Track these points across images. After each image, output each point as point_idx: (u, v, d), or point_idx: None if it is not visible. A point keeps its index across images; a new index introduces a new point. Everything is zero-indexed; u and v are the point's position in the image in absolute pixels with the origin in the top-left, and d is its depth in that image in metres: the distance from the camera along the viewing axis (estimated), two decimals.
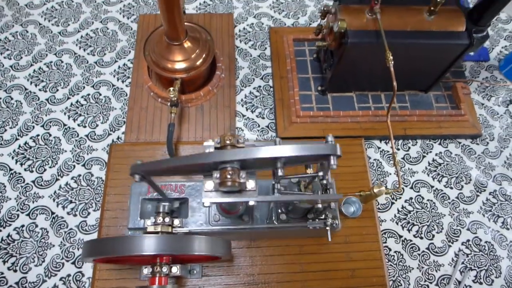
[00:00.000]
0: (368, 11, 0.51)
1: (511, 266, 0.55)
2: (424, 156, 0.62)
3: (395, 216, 0.57)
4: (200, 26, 0.60)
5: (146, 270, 0.40)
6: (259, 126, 0.62)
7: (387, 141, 0.62)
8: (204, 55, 0.57)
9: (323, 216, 0.43)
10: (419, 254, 0.54)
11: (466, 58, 0.71)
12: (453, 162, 0.61)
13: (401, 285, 0.52)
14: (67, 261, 0.50)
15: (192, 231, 0.43)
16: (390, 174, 0.60)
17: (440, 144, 0.63)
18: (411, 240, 0.55)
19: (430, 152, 0.62)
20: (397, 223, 0.56)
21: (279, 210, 0.45)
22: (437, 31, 0.52)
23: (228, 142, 0.29)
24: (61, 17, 0.69)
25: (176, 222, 0.42)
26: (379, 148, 0.62)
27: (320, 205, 0.40)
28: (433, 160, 0.61)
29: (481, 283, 0.53)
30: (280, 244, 0.51)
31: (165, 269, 0.40)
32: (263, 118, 0.62)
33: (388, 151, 0.61)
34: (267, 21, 0.72)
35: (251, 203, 0.31)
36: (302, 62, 0.66)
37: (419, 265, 0.54)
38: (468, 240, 0.56)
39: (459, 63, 0.68)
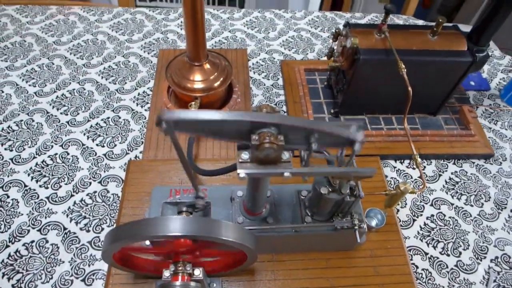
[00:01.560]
0: (376, 32, 0.56)
1: None
2: (440, 175, 0.62)
3: (418, 233, 0.55)
4: (219, 54, 0.64)
5: (167, 273, 0.38)
6: None
7: (402, 160, 0.63)
8: (222, 78, 0.60)
9: (349, 217, 0.42)
10: (448, 272, 0.52)
11: (468, 88, 0.74)
12: (470, 181, 0.61)
13: None
14: (77, 278, 0.47)
15: None
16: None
17: (454, 164, 0.63)
18: (438, 258, 0.53)
19: (446, 171, 0.62)
20: (422, 240, 0.54)
21: (304, 212, 0.43)
22: (441, 50, 0.56)
23: (265, 110, 0.30)
24: (85, 52, 0.74)
25: None
26: (395, 167, 0.62)
27: (348, 199, 0.39)
28: (450, 178, 0.61)
29: None
30: (304, 258, 0.48)
31: (188, 268, 0.37)
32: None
33: (404, 170, 0.62)
34: (278, 56, 0.77)
35: (286, 174, 0.31)
36: (314, 89, 0.69)
37: (449, 283, 0.51)
38: (497, 257, 0.53)
39: (463, 92, 0.72)
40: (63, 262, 0.48)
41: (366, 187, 0.53)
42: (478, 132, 0.65)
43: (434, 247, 0.54)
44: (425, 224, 0.56)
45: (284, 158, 0.31)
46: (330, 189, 0.39)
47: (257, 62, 0.76)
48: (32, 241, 0.50)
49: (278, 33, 0.82)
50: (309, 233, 0.43)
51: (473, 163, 0.64)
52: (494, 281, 0.51)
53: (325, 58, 0.77)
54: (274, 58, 0.77)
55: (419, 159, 0.45)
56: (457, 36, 0.57)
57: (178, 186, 0.46)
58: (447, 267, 0.52)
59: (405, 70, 0.49)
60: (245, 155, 0.31)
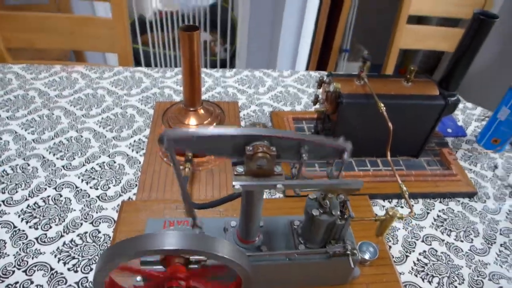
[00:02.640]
0: (356, 79, 0.62)
1: None
2: (428, 213, 0.63)
3: (412, 268, 0.55)
4: (213, 103, 0.68)
5: None
6: None
7: (390, 199, 0.64)
8: (215, 123, 0.64)
9: (341, 243, 0.43)
10: None
11: (446, 135, 0.79)
12: (457, 218, 0.63)
13: None
14: None
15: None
16: (399, 229, 0.60)
17: (440, 202, 0.65)
18: None
19: (433, 209, 0.64)
20: (416, 276, 0.54)
21: (297, 241, 0.44)
22: (416, 94, 0.62)
23: (258, 126, 0.33)
24: (85, 104, 0.78)
25: None
26: (383, 206, 0.63)
27: (339, 222, 0.40)
28: (438, 216, 0.63)
29: None
30: None
31: None
32: None
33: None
34: (268, 108, 0.82)
35: (279, 186, 0.32)
36: None
37: None
38: None
39: (442, 137, 0.76)
40: None
41: (357, 223, 0.54)
42: (459, 172, 0.68)
43: (430, 282, 0.53)
44: (418, 259, 0.56)
45: (276, 171, 0.33)
46: (321, 211, 0.40)
47: (248, 113, 0.80)
48: (16, 283, 0.48)
49: (267, 89, 0.89)
50: (303, 261, 0.43)
51: (459, 201, 0.66)
52: None
53: (312, 109, 0.82)
54: (264, 110, 0.82)
55: (404, 187, 0.47)
56: (429, 83, 0.64)
57: (172, 218, 0.46)
58: None
59: (384, 108, 0.53)
60: (240, 168, 0.33)
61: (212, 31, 2.06)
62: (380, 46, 1.62)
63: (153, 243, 0.32)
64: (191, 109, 0.62)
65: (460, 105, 0.92)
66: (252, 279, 0.38)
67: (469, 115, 0.88)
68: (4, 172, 0.62)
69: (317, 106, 0.65)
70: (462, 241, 0.59)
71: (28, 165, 0.64)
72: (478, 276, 0.55)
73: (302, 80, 0.94)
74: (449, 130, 0.81)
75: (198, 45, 0.55)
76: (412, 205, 0.64)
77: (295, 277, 0.46)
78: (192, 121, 0.62)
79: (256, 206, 0.37)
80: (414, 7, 1.27)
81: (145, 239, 0.32)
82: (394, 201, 0.64)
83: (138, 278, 0.46)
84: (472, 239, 0.60)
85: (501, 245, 0.59)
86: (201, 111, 0.63)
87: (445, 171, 0.68)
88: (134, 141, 0.70)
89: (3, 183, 0.60)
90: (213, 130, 0.32)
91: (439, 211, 0.64)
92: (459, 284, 0.53)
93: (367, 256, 0.51)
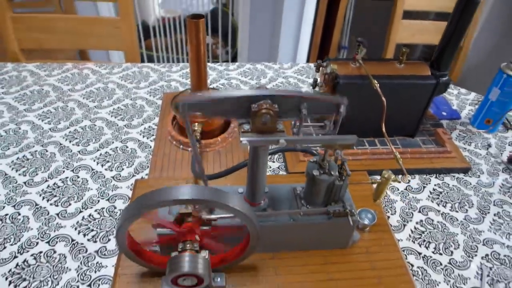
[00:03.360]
0: (351, 62, 0.66)
1: None
2: (424, 187, 0.66)
3: (409, 235, 0.58)
4: (217, 89, 0.72)
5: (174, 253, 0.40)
6: (270, 167, 0.68)
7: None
8: None
9: (341, 204, 0.46)
10: (442, 269, 0.54)
11: (441, 117, 0.83)
12: (452, 191, 0.66)
13: None
14: (83, 283, 0.49)
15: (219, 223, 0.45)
16: (397, 201, 0.63)
17: (436, 177, 0.69)
18: (431, 256, 0.55)
19: (429, 183, 0.67)
20: (414, 242, 0.57)
21: (300, 204, 0.48)
22: (409, 75, 0.65)
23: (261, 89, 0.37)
24: (97, 96, 0.82)
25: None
26: (385, 193, 0.67)
27: (338, 182, 0.44)
28: (434, 189, 0.66)
29: None
30: (303, 255, 0.51)
31: (195, 245, 0.40)
32: (274, 162, 0.69)
33: (390, 184, 0.66)
34: None
35: (281, 141, 0.36)
36: None
37: (445, 279, 0.53)
38: (487, 255, 0.56)
39: (437, 120, 0.80)
40: (70, 270, 0.50)
41: (357, 195, 0.57)
42: (453, 149, 0.72)
43: (427, 247, 0.56)
44: (415, 228, 0.59)
45: (279, 128, 0.37)
46: (321, 171, 0.44)
47: None
48: (40, 252, 0.52)
49: (269, 80, 0.93)
50: (305, 222, 0.47)
51: (454, 176, 0.69)
52: (488, 275, 0.53)
53: None
54: None
55: (398, 155, 0.51)
56: (421, 64, 0.68)
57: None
58: (441, 264, 0.54)
59: (378, 85, 0.57)
60: (246, 126, 0.37)
61: (213, 35, 2.12)
62: (377, 42, 1.66)
63: (172, 194, 0.36)
64: (198, 94, 0.66)
65: (455, 91, 0.95)
66: (259, 233, 0.41)
67: (463, 100, 0.92)
68: (24, 157, 0.66)
69: (317, 89, 0.69)
70: (457, 211, 0.63)
71: (46, 151, 0.68)
72: (472, 242, 0.58)
73: (302, 71, 0.98)
74: (444, 113, 0.84)
75: (204, 32, 0.59)
76: (409, 180, 0.67)
77: (298, 239, 0.50)
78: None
79: (261, 164, 0.41)
80: (409, 2, 1.31)
81: (165, 191, 0.36)
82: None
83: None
84: (466, 210, 0.63)
85: (494, 214, 0.63)
86: None
87: (440, 148, 0.71)
88: (144, 128, 0.74)
89: (23, 167, 0.64)
90: (222, 92, 0.36)
91: (435, 185, 0.67)
92: (454, 249, 0.57)
93: (366, 222, 0.54)
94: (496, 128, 0.81)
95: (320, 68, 0.67)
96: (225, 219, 0.43)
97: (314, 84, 0.70)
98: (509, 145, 0.78)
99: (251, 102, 0.36)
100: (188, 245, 0.40)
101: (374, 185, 0.50)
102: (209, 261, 0.40)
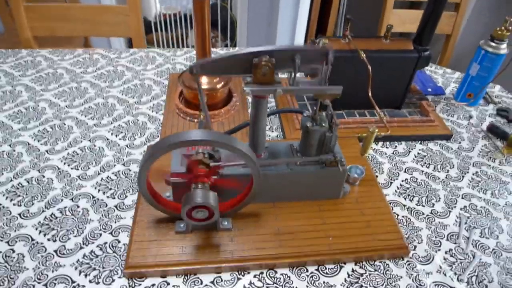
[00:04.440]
0: (341, 39, 0.72)
1: (510, 225, 0.60)
2: (410, 151, 0.73)
3: (395, 191, 0.64)
4: None
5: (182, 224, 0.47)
6: (269, 136, 0.74)
7: (377, 142, 0.74)
8: (223, 82, 0.75)
9: (331, 155, 0.53)
10: (424, 218, 0.60)
11: (426, 93, 0.90)
12: (435, 155, 0.73)
13: (415, 240, 0.57)
14: (105, 232, 0.55)
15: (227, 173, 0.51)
16: (384, 163, 0.70)
17: (420, 143, 0.75)
18: (414, 208, 0.62)
19: (414, 148, 0.74)
20: (399, 196, 0.64)
21: (296, 155, 0.54)
22: (394, 49, 0.72)
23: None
24: (107, 78, 0.89)
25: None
26: (371, 148, 0.73)
27: (328, 134, 0.50)
28: (418, 153, 0.73)
29: (487, 238, 0.58)
30: (299, 205, 0.57)
31: (206, 186, 0.47)
32: (272, 131, 0.76)
33: (379, 149, 0.73)
34: None
35: (278, 90, 0.42)
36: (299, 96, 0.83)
37: (427, 225, 0.59)
38: (465, 206, 0.63)
39: (423, 95, 0.87)
40: (93, 220, 0.56)
41: (349, 156, 0.64)
42: (437, 119, 0.79)
43: (411, 200, 0.63)
44: (401, 185, 0.66)
45: (277, 80, 0.43)
46: (313, 123, 0.50)
47: None
48: (65, 207, 0.58)
49: None
50: (301, 171, 0.53)
51: (436, 143, 0.76)
52: (466, 223, 0.60)
53: None
54: None
55: (380, 112, 0.57)
56: (405, 40, 0.74)
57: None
58: (423, 214, 0.61)
59: (365, 55, 0.64)
60: (249, 78, 0.43)
61: (212, 29, 2.18)
62: (372, 32, 1.73)
63: (187, 136, 0.42)
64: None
65: (440, 71, 1.02)
66: (260, 176, 0.48)
67: (448, 78, 0.98)
68: (45, 129, 0.72)
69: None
70: (439, 171, 0.69)
71: (64, 124, 0.74)
72: (452, 196, 0.64)
73: None
74: (429, 90, 0.91)
75: (208, 10, 0.65)
76: (396, 147, 0.74)
77: (295, 189, 0.56)
78: (203, 79, 0.72)
79: (261, 115, 0.48)
80: None
81: (181, 135, 0.43)
82: (380, 143, 0.74)
83: (168, 193, 0.56)
84: (448, 170, 0.70)
85: (473, 174, 0.69)
86: None
87: (424, 118, 0.78)
88: (153, 104, 0.81)
89: (45, 137, 0.70)
90: (227, 52, 0.42)
91: (420, 150, 0.74)
92: (436, 201, 0.63)
93: (356, 175, 0.61)
94: (477, 102, 0.88)
95: (314, 45, 0.74)
96: (230, 168, 0.50)
97: None
98: (489, 116, 0.85)
99: (253, 57, 0.42)
100: (199, 185, 0.46)
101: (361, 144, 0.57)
102: (217, 198, 0.47)
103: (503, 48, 0.79)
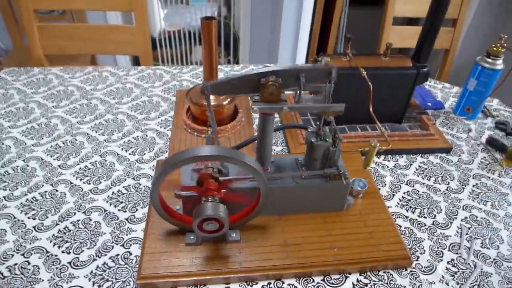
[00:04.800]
0: (343, 57, 0.75)
1: (510, 235, 0.62)
2: (411, 164, 0.75)
3: (398, 203, 0.66)
4: None
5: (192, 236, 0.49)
6: (274, 150, 0.77)
7: (379, 155, 0.77)
8: (229, 99, 0.78)
9: (335, 168, 0.55)
10: (426, 229, 0.62)
11: (426, 108, 0.92)
12: (436, 167, 0.75)
13: (417, 251, 0.58)
14: (117, 244, 0.57)
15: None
16: (386, 176, 0.72)
17: (421, 156, 0.77)
18: (416, 219, 0.63)
19: (415, 161, 0.76)
20: (401, 208, 0.65)
21: (301, 169, 0.56)
22: (393, 66, 0.75)
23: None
24: (117, 95, 0.92)
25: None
26: (373, 161, 0.75)
27: (332, 148, 0.53)
28: (419, 166, 0.75)
29: (488, 248, 0.59)
30: (305, 217, 0.59)
31: (216, 199, 0.49)
32: (277, 146, 0.78)
33: (381, 162, 0.75)
34: None
35: (285, 108, 0.45)
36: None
37: (429, 236, 0.61)
38: (466, 217, 0.64)
39: (422, 109, 0.89)
40: (105, 233, 0.58)
41: (351, 170, 0.66)
42: (437, 132, 0.81)
43: (413, 212, 0.65)
44: (403, 197, 0.68)
45: (283, 98, 0.46)
46: (318, 139, 0.52)
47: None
48: (78, 220, 0.60)
49: None
50: (306, 184, 0.55)
51: (437, 155, 0.78)
52: (467, 233, 0.62)
53: None
54: None
55: (381, 126, 0.60)
56: (404, 57, 0.77)
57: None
58: (425, 225, 0.62)
59: (365, 72, 0.66)
60: (257, 97, 0.46)
61: None
62: (371, 48, 1.77)
63: (198, 152, 0.44)
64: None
65: (439, 85, 1.05)
66: (267, 189, 0.50)
67: (447, 93, 1.01)
68: (57, 145, 0.75)
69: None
70: (440, 183, 0.71)
71: (76, 140, 0.77)
72: (453, 207, 0.66)
73: None
74: (429, 104, 0.94)
75: (215, 31, 0.69)
76: (397, 161, 0.76)
77: (300, 202, 0.58)
78: (210, 96, 0.75)
79: (268, 131, 0.50)
80: (398, 9, 1.43)
81: (192, 151, 0.45)
82: (382, 157, 0.76)
83: (178, 206, 0.58)
84: (448, 182, 0.72)
85: (473, 185, 0.71)
86: None
87: (424, 131, 0.80)
88: (161, 120, 0.83)
89: (57, 153, 0.73)
90: (237, 73, 0.45)
91: (420, 163, 0.76)
92: (437, 213, 0.65)
93: (359, 188, 0.63)
94: (476, 115, 0.90)
95: (317, 63, 0.77)
96: (238, 182, 0.52)
97: None
98: (488, 129, 0.87)
99: (260, 77, 0.45)
100: (210, 198, 0.49)
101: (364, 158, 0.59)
102: (227, 211, 0.49)
103: (499, 64, 0.82)
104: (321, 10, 1.71)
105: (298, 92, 0.46)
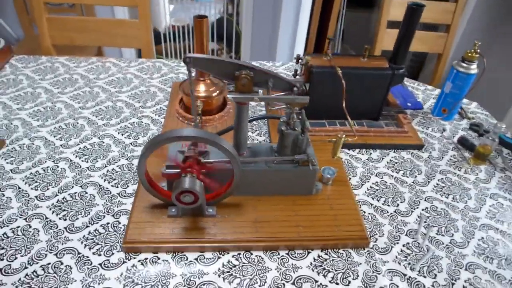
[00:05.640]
0: (324, 56, 0.81)
1: (465, 225, 0.68)
2: (383, 158, 0.81)
3: (365, 192, 0.73)
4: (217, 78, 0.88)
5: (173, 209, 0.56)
6: (257, 140, 0.83)
7: (354, 149, 0.83)
8: (218, 91, 0.84)
9: (305, 155, 0.62)
10: (388, 215, 0.68)
11: (405, 107, 0.98)
12: (406, 162, 0.81)
13: (377, 234, 0.65)
14: (108, 214, 0.64)
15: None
16: (358, 167, 0.78)
17: (394, 152, 0.83)
18: (380, 207, 0.70)
19: (387, 156, 0.82)
20: (368, 196, 0.72)
21: (273, 155, 0.63)
22: (371, 67, 0.81)
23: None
24: (117, 84, 0.99)
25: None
26: (348, 153, 0.82)
27: (301, 137, 0.59)
28: (391, 160, 0.81)
29: (443, 235, 0.66)
30: (276, 199, 0.66)
31: (194, 176, 0.56)
32: (261, 136, 0.85)
33: (355, 155, 0.81)
34: None
35: (256, 98, 0.52)
36: None
37: (389, 222, 0.67)
38: (427, 208, 0.71)
39: (401, 109, 0.95)
40: (98, 205, 0.65)
41: (324, 160, 0.72)
42: (411, 130, 0.87)
43: (378, 200, 0.71)
44: (371, 187, 0.74)
45: (255, 90, 0.53)
46: (288, 127, 0.59)
47: None
48: (75, 192, 0.67)
49: None
50: (277, 168, 0.62)
51: (409, 151, 0.84)
52: (425, 221, 0.68)
53: None
54: None
55: (351, 121, 0.66)
56: (381, 59, 0.83)
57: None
58: (388, 212, 0.69)
59: (341, 71, 0.73)
60: (231, 87, 0.52)
61: (218, 41, 2.30)
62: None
63: (181, 132, 0.51)
64: (201, 79, 0.82)
65: (422, 87, 1.11)
66: (241, 173, 0.56)
67: (429, 94, 1.07)
68: (60, 127, 0.82)
69: (297, 77, 0.85)
70: (407, 176, 0.77)
71: (77, 123, 0.84)
72: (416, 198, 0.72)
73: (291, 68, 1.14)
74: (409, 104, 0.99)
75: (207, 28, 0.75)
76: (370, 154, 0.82)
77: (272, 184, 0.64)
78: (201, 87, 0.82)
79: (243, 119, 0.57)
80: (392, 14, 1.48)
81: (173, 131, 0.52)
82: (357, 150, 0.83)
83: (163, 184, 0.65)
84: (416, 176, 0.78)
85: (438, 180, 0.77)
86: (209, 81, 0.83)
87: (399, 129, 0.86)
88: (156, 108, 0.90)
89: (60, 134, 0.80)
90: (217, 57, 0.52)
91: (392, 157, 0.82)
92: (400, 202, 0.71)
93: (328, 175, 0.69)
94: (452, 116, 0.96)
95: (299, 60, 0.83)
96: (217, 162, 0.59)
97: (295, 73, 0.85)
98: (462, 130, 0.93)
99: (236, 70, 0.52)
100: (188, 175, 0.55)
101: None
102: (203, 186, 0.55)
103: (473, 69, 0.87)
104: (319, 12, 1.77)
105: (267, 92, 0.53)
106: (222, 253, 0.59)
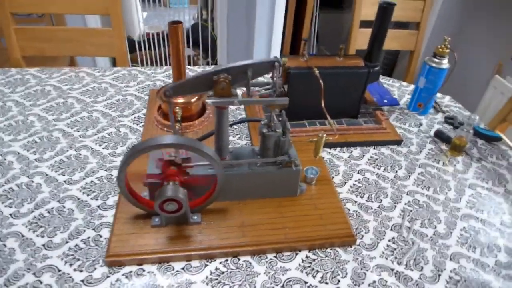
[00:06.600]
0: (300, 57, 0.82)
1: (447, 216, 0.69)
2: (364, 155, 0.82)
3: (349, 190, 0.73)
4: None
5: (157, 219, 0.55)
6: (239, 144, 0.83)
7: (335, 148, 0.84)
8: (196, 97, 0.83)
9: (287, 156, 0.62)
10: (373, 212, 0.69)
11: (382, 104, 1.00)
12: (386, 158, 0.82)
13: (363, 231, 0.65)
14: (88, 228, 0.62)
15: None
16: (340, 166, 0.79)
17: (374, 148, 0.85)
18: (364, 203, 0.70)
19: (368, 152, 0.83)
20: (352, 193, 0.72)
21: (256, 157, 0.62)
22: (346, 66, 0.82)
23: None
24: (93, 94, 0.96)
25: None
26: (329, 152, 0.82)
27: (282, 138, 0.59)
28: (371, 157, 0.82)
29: (427, 228, 0.67)
30: (262, 202, 0.65)
31: (177, 183, 0.54)
32: (242, 140, 0.84)
33: (336, 154, 0.82)
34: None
35: (235, 101, 0.51)
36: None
37: (374, 218, 0.68)
38: (409, 201, 0.72)
39: (378, 106, 0.97)
40: (78, 219, 0.63)
41: (307, 160, 0.72)
42: (389, 126, 0.88)
43: (361, 197, 0.72)
44: (354, 184, 0.75)
45: (233, 93, 0.52)
46: (269, 130, 0.59)
47: None
48: (53, 208, 0.64)
49: None
50: (260, 171, 0.62)
51: (388, 147, 0.85)
52: (408, 215, 0.69)
53: None
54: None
55: (331, 120, 0.66)
56: (356, 58, 0.85)
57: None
58: (372, 208, 0.70)
59: (318, 71, 0.73)
60: (211, 92, 0.52)
61: (194, 47, 2.29)
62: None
63: (162, 140, 0.50)
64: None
65: (397, 84, 1.13)
66: (224, 177, 0.56)
67: (404, 91, 1.09)
68: (34, 141, 0.79)
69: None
70: (388, 172, 0.78)
71: (52, 136, 0.81)
72: (398, 193, 0.73)
73: None
74: (385, 101, 1.01)
75: (182, 34, 0.74)
76: (351, 152, 0.83)
77: (256, 187, 0.64)
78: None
79: (224, 122, 0.56)
80: (364, 13, 1.51)
81: (155, 139, 0.51)
82: (338, 149, 0.83)
83: (145, 193, 0.63)
84: (396, 171, 0.79)
85: (418, 173, 0.79)
86: None
87: (378, 125, 0.88)
88: (134, 117, 0.89)
89: (33, 148, 0.77)
90: (193, 74, 0.51)
91: (373, 154, 0.83)
92: (383, 198, 0.72)
93: (311, 175, 0.69)
94: (427, 111, 0.98)
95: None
96: (198, 167, 0.58)
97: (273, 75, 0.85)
98: (437, 123, 0.96)
99: (213, 75, 0.51)
100: (171, 183, 0.54)
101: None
102: (186, 193, 0.54)
103: (445, 63, 0.90)
104: (293, 14, 1.79)
105: (248, 87, 0.52)
106: (209, 261, 0.58)
